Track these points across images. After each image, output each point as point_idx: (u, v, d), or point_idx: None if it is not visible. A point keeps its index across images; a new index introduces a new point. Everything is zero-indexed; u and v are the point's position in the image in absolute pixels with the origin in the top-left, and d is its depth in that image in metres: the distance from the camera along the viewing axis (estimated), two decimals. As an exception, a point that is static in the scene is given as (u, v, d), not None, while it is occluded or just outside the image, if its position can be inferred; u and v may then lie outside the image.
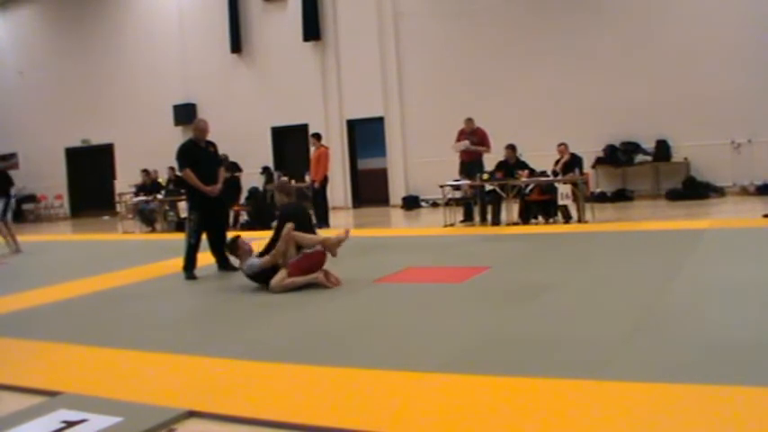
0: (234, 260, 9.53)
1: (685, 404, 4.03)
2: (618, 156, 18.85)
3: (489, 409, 4.15)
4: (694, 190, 17.63)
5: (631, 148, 18.76)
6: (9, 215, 15.23)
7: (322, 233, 9.51)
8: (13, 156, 28.81)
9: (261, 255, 8.79)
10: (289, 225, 8.55)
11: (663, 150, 18.36)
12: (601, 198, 17.93)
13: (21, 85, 28.77)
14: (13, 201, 15.46)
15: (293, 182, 20.00)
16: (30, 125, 28.37)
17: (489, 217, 14.71)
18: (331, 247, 8.73)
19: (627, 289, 7.31)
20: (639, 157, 18.73)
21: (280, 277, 8.45)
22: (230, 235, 9.79)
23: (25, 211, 15.96)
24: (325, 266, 8.75)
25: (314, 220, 9.18)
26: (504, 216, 14.73)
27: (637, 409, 4.01)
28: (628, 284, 7.55)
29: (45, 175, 28.09)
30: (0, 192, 15.01)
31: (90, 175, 27.88)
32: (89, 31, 27.11)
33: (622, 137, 18.83)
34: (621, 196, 18.53)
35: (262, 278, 8.67)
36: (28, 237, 16.24)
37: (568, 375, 4.57)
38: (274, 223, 9.07)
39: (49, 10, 28.27)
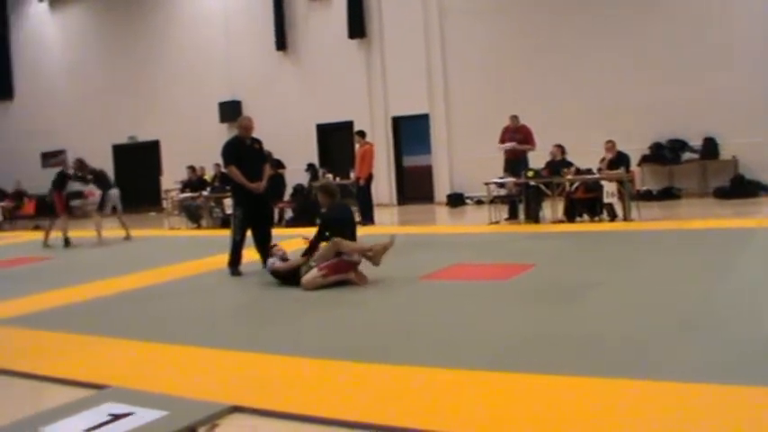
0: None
1: (732, 405, 3.97)
2: (664, 153, 18.61)
3: (535, 407, 4.13)
4: (743, 188, 17.35)
5: (678, 146, 18.51)
6: (107, 208, 16.78)
7: (366, 229, 9.53)
8: (61, 152, 29.14)
9: (303, 255, 8.87)
10: (336, 239, 8.58)
11: (710, 148, 18.09)
12: (647, 196, 17.71)
13: (70, 83, 29.09)
14: (111, 194, 16.76)
15: (338, 179, 20.08)
16: (78, 122, 28.68)
17: (525, 213, 14.64)
18: (375, 255, 8.72)
19: (674, 288, 7.23)
20: (686, 155, 18.47)
21: (312, 276, 8.49)
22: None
23: (73, 207, 16.35)
24: (364, 263, 8.75)
25: (357, 218, 9.18)
26: (548, 214, 14.63)
27: (684, 409, 3.96)
28: (675, 283, 7.47)
29: (93, 172, 28.38)
30: (100, 188, 16.52)
31: (137, 172, 28.07)
32: (137, 30, 27.35)
33: (669, 134, 18.59)
34: (668, 194, 18.28)
35: (288, 278, 8.76)
36: (75, 232, 16.44)
37: (615, 375, 4.53)
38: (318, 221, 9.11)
39: (99, 9, 28.55)
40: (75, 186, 16.26)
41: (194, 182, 20.13)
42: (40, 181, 22.33)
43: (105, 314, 8.02)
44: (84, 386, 5.17)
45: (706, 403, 4.03)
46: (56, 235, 15.88)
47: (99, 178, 16.75)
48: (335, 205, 9.28)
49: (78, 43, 29.11)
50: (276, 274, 8.98)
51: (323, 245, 8.77)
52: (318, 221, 9.17)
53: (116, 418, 4.36)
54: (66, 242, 15.62)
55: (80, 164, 16.32)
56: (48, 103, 29.52)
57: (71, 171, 16.22)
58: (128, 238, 16.23)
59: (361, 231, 13.77)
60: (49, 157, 29.41)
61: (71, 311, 8.23)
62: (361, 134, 17.33)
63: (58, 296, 9.17)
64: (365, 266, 8.78)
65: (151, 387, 4.97)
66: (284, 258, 9.15)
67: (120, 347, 6.27)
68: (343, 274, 8.54)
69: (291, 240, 10.75)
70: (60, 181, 16.11)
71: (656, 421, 3.82)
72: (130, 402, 4.61)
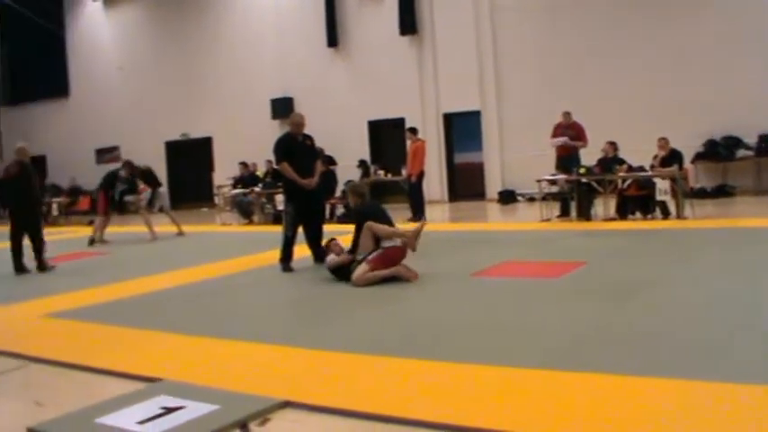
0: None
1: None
2: (719, 150, 18.32)
3: (588, 407, 4.08)
4: (799, 186, 17.08)
5: (733, 143, 18.20)
6: (156, 206, 17.12)
7: (407, 226, 9.52)
8: (115, 149, 29.52)
9: (349, 252, 8.91)
10: (368, 223, 8.65)
11: (766, 145, 17.79)
12: (700, 194, 17.44)
13: (124, 80, 29.44)
14: (160, 192, 17.46)
15: (389, 175, 20.11)
16: (131, 119, 29.01)
17: (577, 211, 14.54)
18: (410, 240, 8.73)
19: (729, 287, 7.11)
20: (741, 152, 18.16)
21: (362, 271, 8.50)
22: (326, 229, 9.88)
23: (127, 203, 16.54)
24: (415, 259, 8.75)
25: (390, 216, 9.22)
26: (600, 211, 14.50)
27: (740, 411, 3.89)
28: (729, 282, 7.35)
29: (145, 168, 28.69)
30: (150, 185, 16.90)
31: (189, 168, 28.35)
32: (189, 28, 27.58)
33: (723, 131, 18.29)
34: (722, 192, 18.00)
35: (340, 274, 8.79)
36: (129, 228, 16.66)
37: (669, 375, 4.46)
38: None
39: (152, 7, 28.85)
40: (122, 187, 16.36)
41: (246, 178, 20.27)
42: (95, 177, 22.59)
43: (158, 309, 8.11)
44: (138, 379, 5.23)
45: (759, 405, 3.96)
46: (108, 231, 16.10)
47: (147, 177, 16.98)
48: (365, 202, 9.45)
49: (131, 41, 29.45)
50: (335, 272, 9.02)
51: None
52: (354, 217, 9.21)
53: (168, 411, 4.40)
54: (91, 241, 15.62)
55: (130, 166, 16.50)
56: (102, 101, 29.92)
57: (122, 173, 16.31)
58: (180, 233, 16.33)
59: (412, 227, 13.79)
60: (104, 154, 29.82)
61: (125, 306, 8.33)
62: (413, 131, 17.32)
63: (113, 291, 9.29)
64: (415, 262, 8.77)
65: (203, 381, 5.01)
66: (340, 254, 9.16)
67: (173, 342, 6.34)
68: (390, 266, 8.54)
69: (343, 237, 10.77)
70: (109, 181, 16.25)
71: (710, 424, 3.76)
72: (183, 396, 4.65)
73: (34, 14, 30.02)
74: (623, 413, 3.94)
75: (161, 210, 17.17)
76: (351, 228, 9.09)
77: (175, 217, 16.93)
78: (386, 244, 8.63)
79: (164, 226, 16.62)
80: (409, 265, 8.69)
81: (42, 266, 11.85)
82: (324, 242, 9.73)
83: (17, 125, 32.76)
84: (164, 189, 17.03)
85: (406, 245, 8.72)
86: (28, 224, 11.89)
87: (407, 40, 22.60)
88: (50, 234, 17.97)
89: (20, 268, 11.80)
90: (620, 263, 9.17)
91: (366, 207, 9.22)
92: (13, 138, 32.32)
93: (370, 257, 8.54)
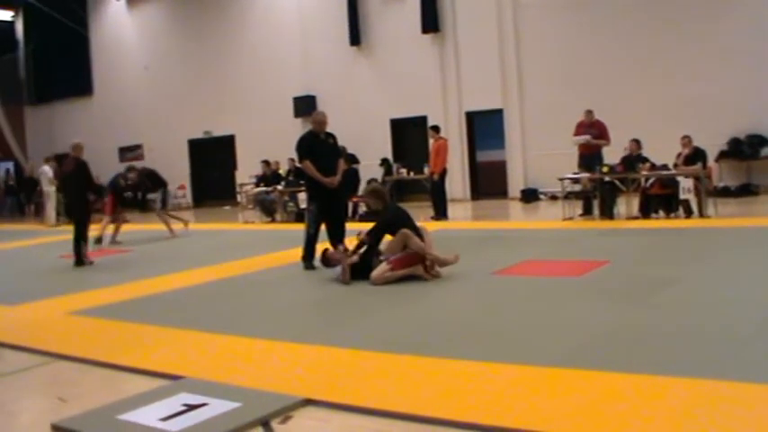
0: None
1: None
2: (743, 149, 18.18)
3: (610, 406, 4.07)
4: (824, 185, 16.93)
5: (757, 141, 18.04)
6: (168, 204, 17.47)
7: (440, 224, 9.49)
8: (138, 147, 29.70)
9: (353, 252, 9.01)
10: (405, 231, 8.66)
11: (791, 143, 17.69)
12: (724, 193, 17.32)
13: (147, 79, 29.59)
14: (168, 191, 17.68)
15: (411, 174, 20.09)
16: (154, 117, 29.16)
17: (600, 209, 14.49)
18: (432, 263, 8.70)
19: (751, 286, 7.07)
20: (765, 151, 17.99)
21: (381, 270, 8.52)
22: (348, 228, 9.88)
23: (149, 201, 16.61)
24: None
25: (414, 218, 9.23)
26: (623, 210, 14.44)
27: (763, 411, 3.87)
28: (752, 281, 7.30)
29: (169, 166, 28.59)
30: (158, 186, 16.88)
31: (212, 166, 28.48)
32: (212, 26, 27.67)
33: (747, 129, 18.13)
34: (746, 191, 17.86)
35: (358, 272, 8.78)
36: (152, 225, 16.73)
37: (692, 374, 4.44)
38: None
39: (175, 6, 28.97)
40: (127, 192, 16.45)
41: (269, 176, 20.32)
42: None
43: (181, 306, 8.16)
44: (160, 376, 5.26)
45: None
46: (125, 229, 16.16)
47: (153, 179, 16.96)
48: (389, 206, 9.48)
49: (154, 40, 29.59)
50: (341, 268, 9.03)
51: (388, 238, 8.91)
52: (377, 224, 9.16)
53: (190, 408, 4.42)
54: (98, 240, 15.52)
55: (136, 171, 16.69)
56: (125, 100, 30.09)
57: (130, 175, 16.41)
58: (178, 230, 16.36)
59: (435, 226, 13.79)
60: (126, 152, 30.00)
61: (148, 303, 8.38)
62: (436, 129, 17.30)
63: (136, 288, 9.35)
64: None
65: (225, 379, 5.03)
66: (342, 259, 9.10)
67: (195, 339, 6.37)
68: (410, 267, 8.55)
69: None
70: (115, 184, 16.35)
71: (734, 424, 3.74)
72: (204, 393, 4.67)
73: (58, 14, 30.24)
74: (644, 412, 3.92)
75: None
76: (372, 225, 9.07)
77: (174, 215, 17.07)
78: (410, 250, 8.65)
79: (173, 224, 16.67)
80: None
81: (80, 261, 12.08)
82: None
83: (42, 124, 33.08)
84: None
85: (428, 263, 8.70)
86: (78, 219, 12.28)
87: (430, 38, 22.56)
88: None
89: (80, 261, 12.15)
90: (642, 262, 9.13)
91: (394, 213, 9.21)
92: (38, 136, 32.76)
93: (392, 258, 8.57)
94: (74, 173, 12.15)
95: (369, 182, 19.27)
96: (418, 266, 8.57)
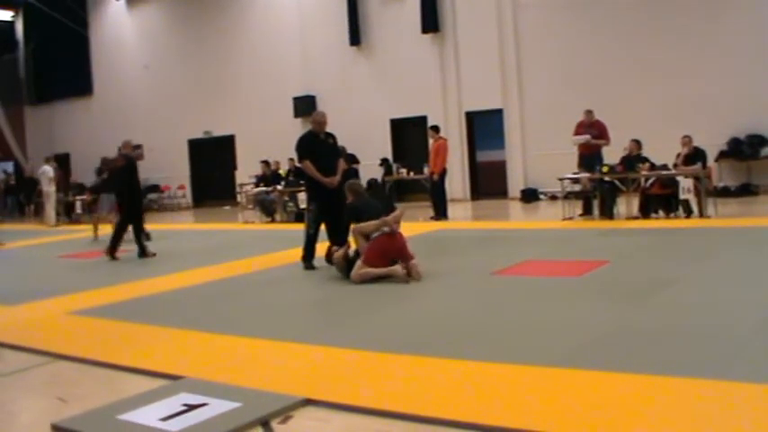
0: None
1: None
2: (743, 149, 18.17)
3: (610, 406, 4.07)
4: (824, 185, 16.92)
5: (757, 141, 18.03)
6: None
7: (440, 224, 9.50)
8: (138, 147, 29.55)
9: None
10: (352, 226, 8.98)
11: (791, 143, 17.68)
12: (724, 192, 17.33)
13: (147, 79, 29.61)
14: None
15: (411, 174, 20.12)
16: (154, 117, 29.17)
17: (599, 209, 14.48)
18: (388, 222, 8.81)
19: (751, 286, 7.06)
20: (765, 151, 17.99)
21: (356, 267, 8.65)
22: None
23: (149, 201, 16.56)
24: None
25: (395, 207, 9.39)
26: (623, 210, 14.44)
27: (762, 411, 3.87)
28: (752, 282, 7.30)
29: (169, 166, 28.80)
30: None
31: (212, 166, 28.48)
32: (212, 26, 27.68)
33: (747, 129, 18.13)
34: (746, 191, 17.85)
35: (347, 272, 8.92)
36: (152, 225, 16.72)
37: (692, 374, 4.44)
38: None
39: (174, 6, 28.97)
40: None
41: (268, 176, 20.31)
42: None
43: (180, 307, 8.15)
44: (160, 376, 5.26)
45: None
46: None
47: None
48: (362, 198, 9.62)
49: (154, 40, 29.60)
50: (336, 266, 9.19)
51: (351, 239, 9.20)
52: (345, 208, 9.55)
53: (190, 408, 4.42)
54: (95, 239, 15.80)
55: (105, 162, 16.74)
56: (125, 100, 30.11)
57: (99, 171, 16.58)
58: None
59: (435, 226, 13.79)
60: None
61: (147, 303, 8.38)
62: (435, 129, 17.29)
63: (135, 288, 9.35)
64: (436, 260, 8.76)
65: (225, 379, 5.03)
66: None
67: (195, 339, 6.37)
68: (384, 257, 8.63)
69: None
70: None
71: (732, 424, 3.75)
72: (204, 393, 4.67)
73: (58, 14, 30.25)
74: (644, 412, 3.92)
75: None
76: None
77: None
78: (374, 235, 8.75)
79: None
80: (420, 264, 8.68)
81: (143, 253, 12.48)
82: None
83: (42, 124, 33.10)
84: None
85: (389, 227, 8.78)
86: (130, 213, 12.58)
87: (429, 38, 22.57)
88: (74, 232, 18.19)
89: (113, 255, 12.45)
90: (642, 262, 9.14)
91: (350, 207, 9.42)
92: (38, 136, 32.78)
93: (362, 251, 8.70)
94: (122, 168, 12.65)
95: (369, 182, 19.34)
96: (398, 267, 8.57)
